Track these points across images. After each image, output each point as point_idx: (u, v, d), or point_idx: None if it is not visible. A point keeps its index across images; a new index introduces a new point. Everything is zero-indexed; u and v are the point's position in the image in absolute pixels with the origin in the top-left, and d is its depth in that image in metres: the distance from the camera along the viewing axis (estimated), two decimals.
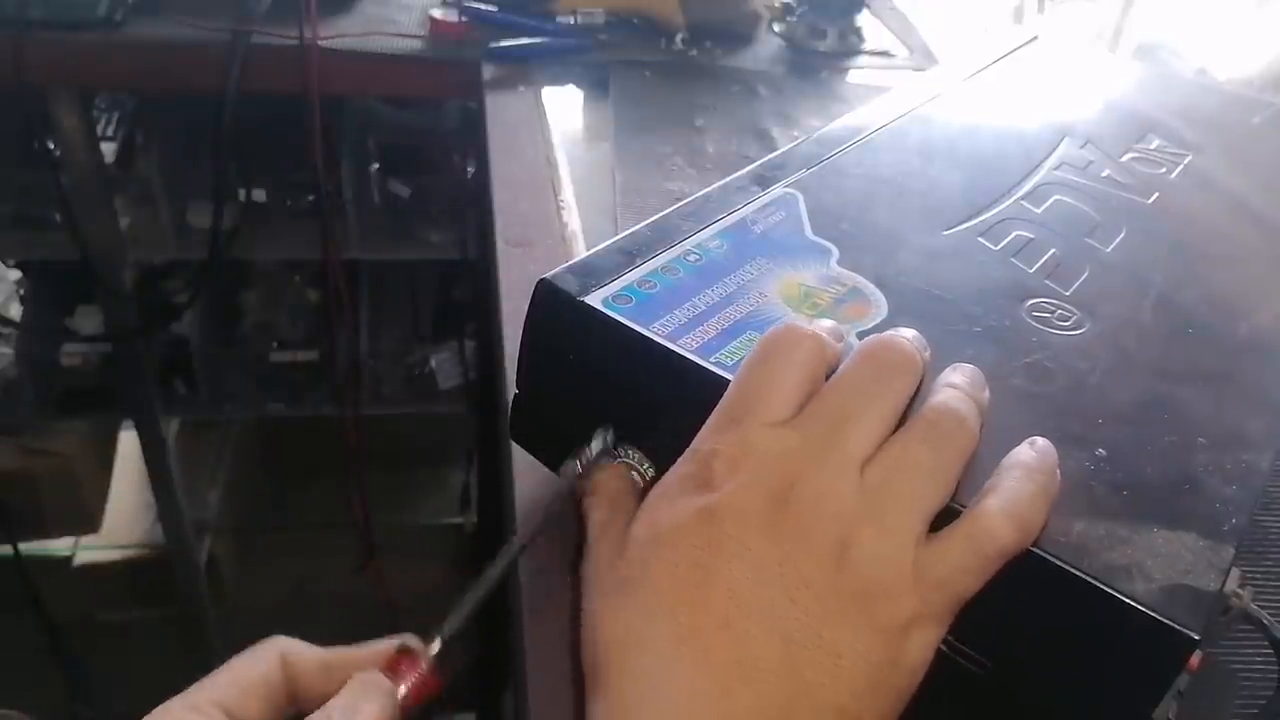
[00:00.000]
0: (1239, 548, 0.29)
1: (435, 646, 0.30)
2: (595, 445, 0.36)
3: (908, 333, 0.33)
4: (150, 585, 1.63)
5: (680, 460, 0.30)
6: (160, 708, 0.27)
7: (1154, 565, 0.28)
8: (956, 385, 0.31)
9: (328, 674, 0.29)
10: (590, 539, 0.33)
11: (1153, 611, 0.27)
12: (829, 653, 0.26)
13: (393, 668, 0.29)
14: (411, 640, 0.30)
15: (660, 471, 0.36)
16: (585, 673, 0.29)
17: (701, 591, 0.27)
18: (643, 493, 0.36)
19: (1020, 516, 0.28)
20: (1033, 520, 0.28)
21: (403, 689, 0.29)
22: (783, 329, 0.31)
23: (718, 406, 0.31)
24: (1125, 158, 0.52)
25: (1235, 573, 0.29)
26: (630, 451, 0.37)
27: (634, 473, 0.37)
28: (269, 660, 0.29)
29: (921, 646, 0.28)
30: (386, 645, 0.30)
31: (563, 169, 0.74)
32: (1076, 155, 0.52)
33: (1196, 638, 0.26)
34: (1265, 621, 0.31)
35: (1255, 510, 0.31)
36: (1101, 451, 0.32)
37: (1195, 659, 0.27)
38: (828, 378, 0.31)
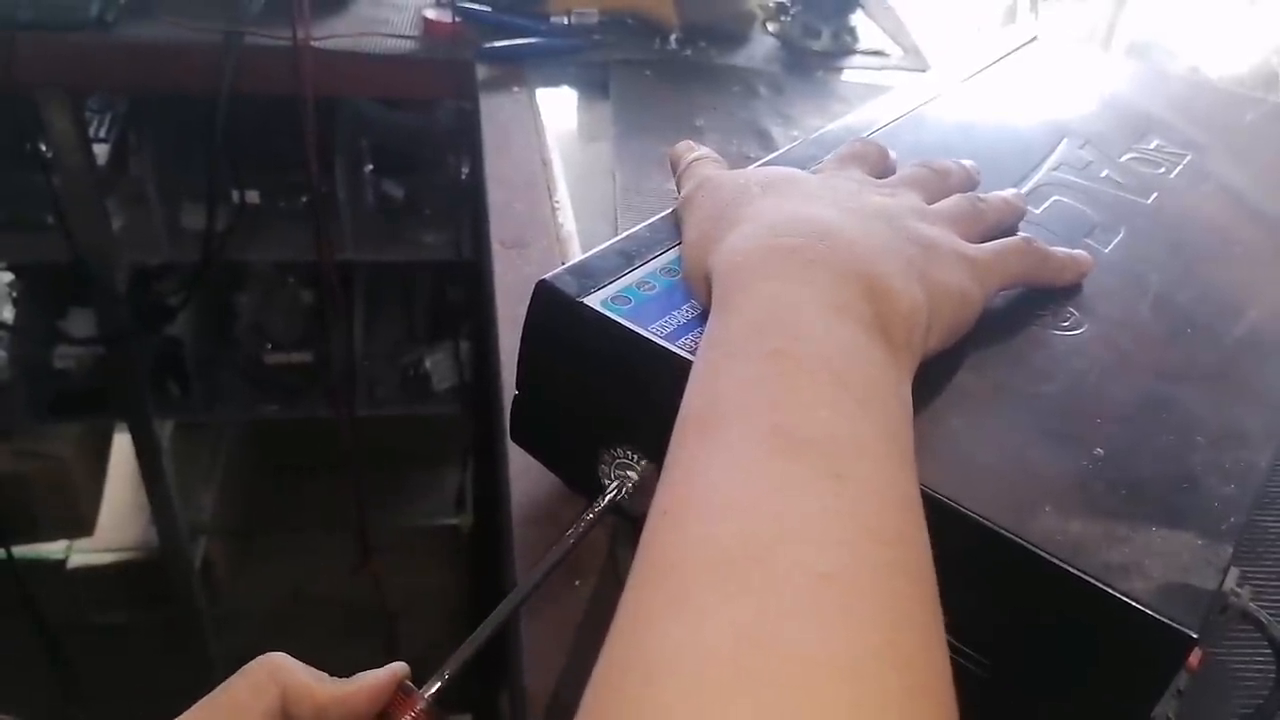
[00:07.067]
0: (1237, 546, 0.29)
1: (433, 689, 0.30)
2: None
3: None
4: (144, 588, 1.62)
5: None
6: None
7: (1152, 564, 0.28)
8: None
9: (322, 716, 0.29)
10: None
11: (1151, 610, 0.27)
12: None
13: (390, 710, 0.29)
14: (403, 670, 0.30)
15: (659, 471, 0.36)
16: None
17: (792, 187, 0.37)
18: (647, 488, 0.36)
19: None
20: None
21: None
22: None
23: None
24: (1124, 158, 0.52)
25: (1234, 571, 0.29)
26: (627, 451, 0.37)
27: (631, 471, 0.37)
28: (268, 693, 0.28)
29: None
30: (378, 677, 0.30)
31: (557, 169, 0.74)
32: (1075, 155, 0.52)
33: (1195, 636, 0.26)
34: (1264, 620, 0.31)
35: (1253, 509, 0.31)
36: (1100, 451, 0.32)
37: (1194, 658, 0.27)
38: None
